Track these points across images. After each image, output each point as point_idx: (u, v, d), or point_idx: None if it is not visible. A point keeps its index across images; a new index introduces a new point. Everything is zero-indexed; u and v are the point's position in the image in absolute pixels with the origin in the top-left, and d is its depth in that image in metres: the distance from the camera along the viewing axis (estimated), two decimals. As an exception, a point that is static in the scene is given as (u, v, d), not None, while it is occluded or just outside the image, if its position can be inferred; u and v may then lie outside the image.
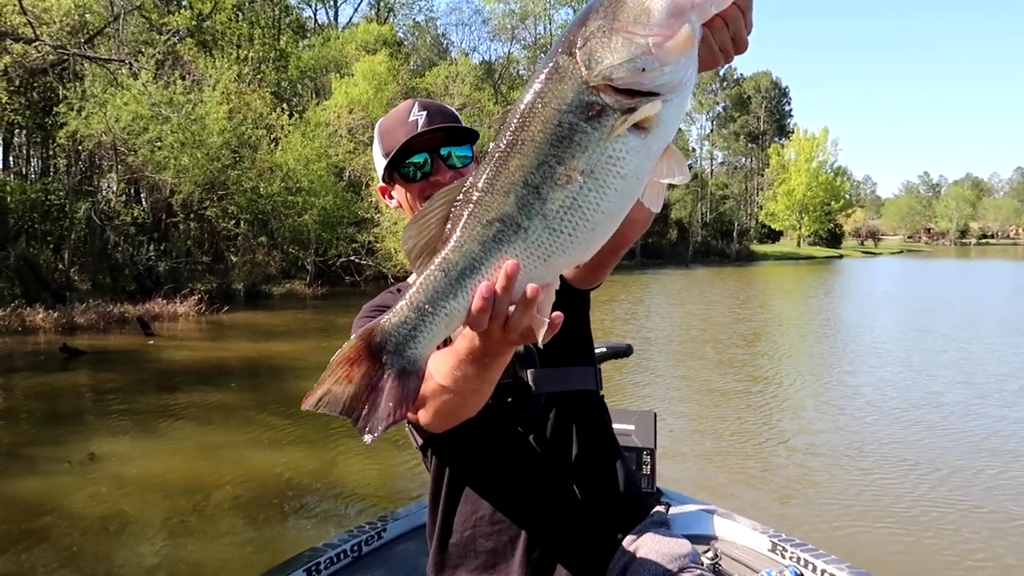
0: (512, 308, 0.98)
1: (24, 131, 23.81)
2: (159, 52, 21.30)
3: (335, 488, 6.12)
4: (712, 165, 76.71)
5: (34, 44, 17.34)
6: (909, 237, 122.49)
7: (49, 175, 23.71)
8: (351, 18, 42.07)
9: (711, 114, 75.61)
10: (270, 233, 25.85)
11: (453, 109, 1.69)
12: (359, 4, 42.91)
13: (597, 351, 1.80)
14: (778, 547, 2.18)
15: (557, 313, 0.99)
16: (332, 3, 41.03)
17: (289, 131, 23.79)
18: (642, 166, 0.93)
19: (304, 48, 33.36)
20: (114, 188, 21.75)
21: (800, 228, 66.79)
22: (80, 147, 20.73)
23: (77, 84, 19.42)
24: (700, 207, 64.87)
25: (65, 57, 18.68)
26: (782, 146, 68.36)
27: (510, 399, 1.55)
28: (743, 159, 77.01)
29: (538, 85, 0.93)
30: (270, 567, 2.05)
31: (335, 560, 2.08)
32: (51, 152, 24.31)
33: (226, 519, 5.44)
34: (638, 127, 0.91)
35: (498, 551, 1.57)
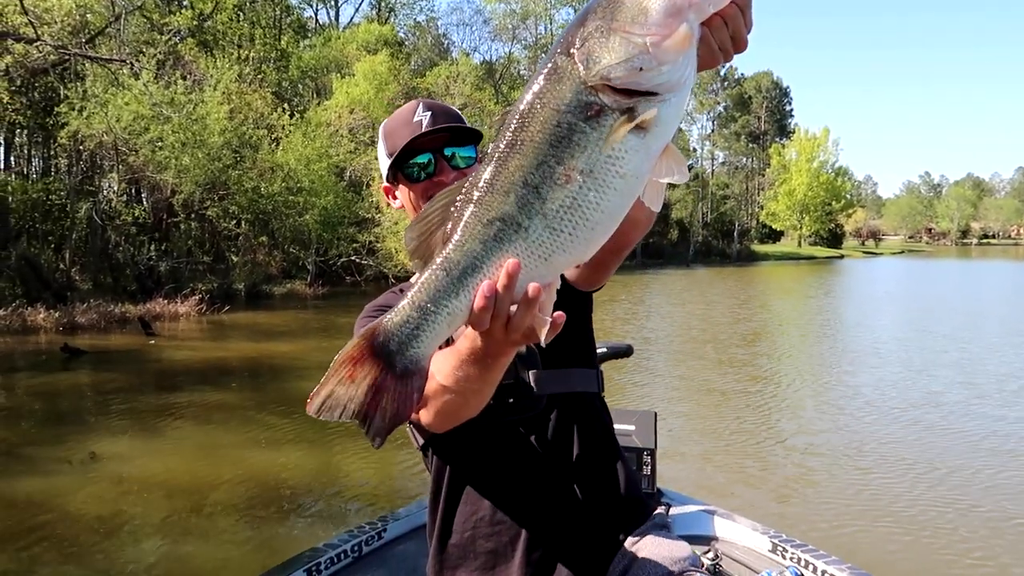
0: (514, 308, 0.98)
1: (25, 131, 23.84)
2: (160, 52, 21.32)
3: (335, 488, 6.12)
4: (713, 165, 76.77)
5: (35, 44, 17.37)
6: (910, 237, 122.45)
7: (50, 175, 23.73)
8: (352, 18, 42.12)
9: (712, 114, 75.64)
10: (271, 233, 25.86)
11: (457, 110, 1.69)
12: (360, 4, 42.94)
13: (598, 351, 1.80)
14: (778, 548, 2.18)
15: (559, 313, 0.99)
16: (333, 3, 41.08)
17: (290, 131, 23.81)
18: (641, 165, 0.93)
19: (305, 48, 33.38)
20: (115, 188, 21.79)
21: (801, 228, 66.77)
22: (81, 147, 20.75)
23: (78, 84, 19.44)
24: (701, 207, 64.86)
25: (66, 57, 18.71)
26: (783, 146, 68.36)
27: (512, 400, 1.55)
28: (744, 159, 77.00)
29: (537, 86, 0.94)
30: (270, 567, 2.05)
31: (335, 560, 2.08)
32: (52, 152, 24.33)
33: (226, 519, 5.44)
34: (637, 126, 0.91)
35: (498, 552, 1.57)
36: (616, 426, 1.76)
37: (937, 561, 4.75)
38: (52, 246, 20.54)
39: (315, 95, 31.42)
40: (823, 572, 2.03)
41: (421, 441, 1.63)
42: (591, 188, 0.93)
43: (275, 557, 4.05)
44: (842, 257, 67.72)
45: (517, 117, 0.94)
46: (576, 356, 1.66)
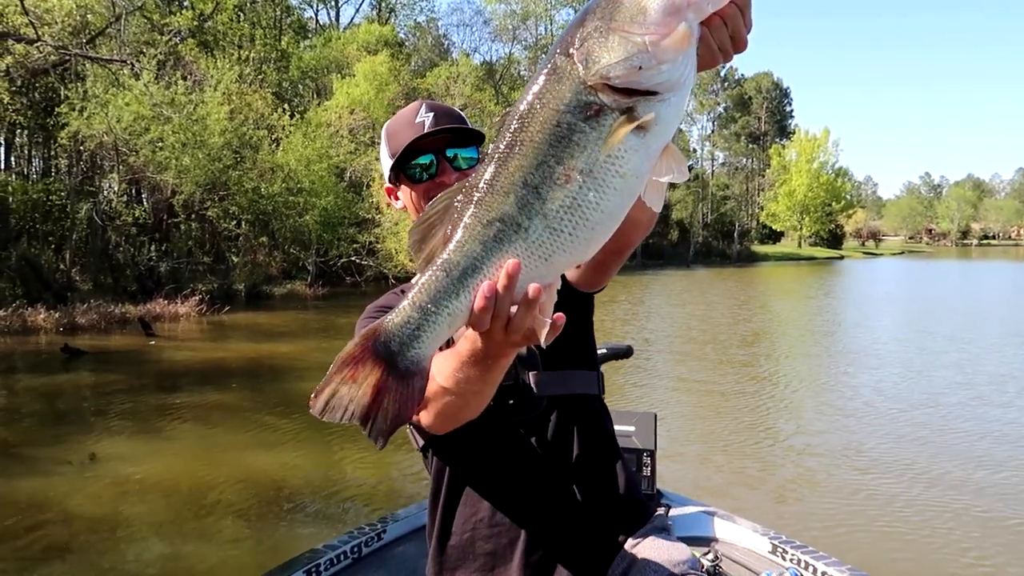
0: (514, 308, 0.98)
1: (26, 131, 23.85)
2: (160, 52, 21.33)
3: (335, 489, 6.12)
4: (713, 166, 76.77)
5: (36, 44, 17.38)
6: (910, 238, 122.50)
7: (51, 175, 23.76)
8: (352, 19, 42.17)
9: (712, 115, 75.65)
10: (271, 234, 25.88)
11: (460, 111, 1.69)
12: (360, 5, 42.96)
13: (598, 352, 1.80)
14: (778, 549, 2.18)
15: (559, 314, 0.99)
16: (333, 4, 41.12)
17: (290, 132, 23.83)
18: (641, 165, 0.93)
19: (305, 48, 33.42)
20: (115, 188, 21.79)
21: (801, 229, 66.78)
22: (82, 147, 20.76)
23: (79, 84, 19.46)
24: (701, 208, 64.87)
25: (67, 57, 18.72)
26: (783, 147, 68.39)
27: (512, 401, 1.55)
28: (744, 160, 77.01)
29: (536, 86, 0.94)
30: (270, 568, 2.04)
31: (335, 561, 2.08)
32: (53, 152, 24.34)
33: (226, 519, 5.44)
34: (637, 126, 0.91)
35: (497, 553, 1.57)
36: (616, 427, 1.76)
37: (936, 561, 4.75)
38: (52, 246, 20.54)
39: (315, 96, 31.45)
40: (823, 573, 2.03)
41: (421, 442, 1.63)
42: (591, 188, 0.93)
43: (275, 557, 4.05)
44: (842, 258, 67.73)
45: (517, 118, 0.94)
46: (576, 358, 1.66)
